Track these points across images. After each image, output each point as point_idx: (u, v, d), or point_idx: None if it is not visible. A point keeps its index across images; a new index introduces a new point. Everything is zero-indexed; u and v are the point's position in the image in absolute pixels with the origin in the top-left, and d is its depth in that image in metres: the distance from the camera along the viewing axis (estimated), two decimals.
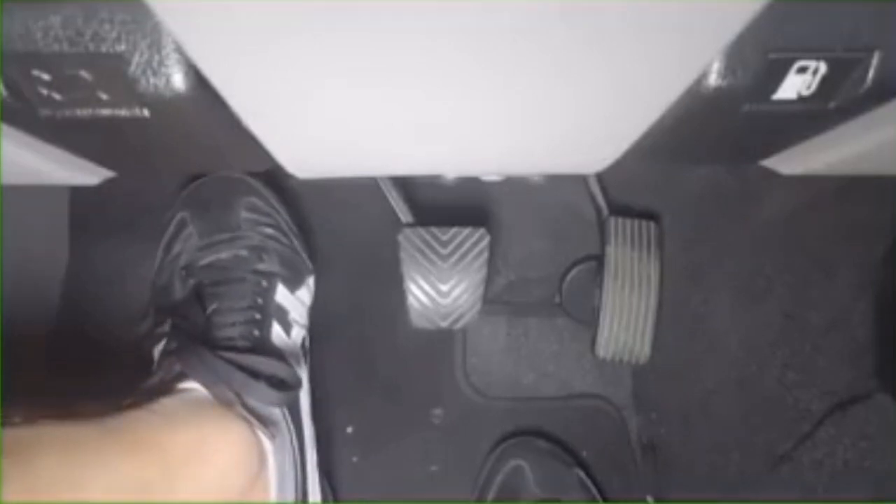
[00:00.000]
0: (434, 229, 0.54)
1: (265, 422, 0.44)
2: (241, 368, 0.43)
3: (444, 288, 0.53)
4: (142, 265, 0.60)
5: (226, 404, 0.42)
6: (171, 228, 0.53)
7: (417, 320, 0.55)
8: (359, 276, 0.67)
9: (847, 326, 0.48)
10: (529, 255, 0.69)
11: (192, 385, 0.42)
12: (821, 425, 0.48)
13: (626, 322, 0.60)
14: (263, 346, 0.48)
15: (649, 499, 0.65)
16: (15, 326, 0.55)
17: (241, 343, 0.47)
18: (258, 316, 0.48)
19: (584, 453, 0.66)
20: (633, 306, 0.60)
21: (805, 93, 0.23)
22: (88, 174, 0.31)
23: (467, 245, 0.54)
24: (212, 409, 0.42)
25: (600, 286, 0.61)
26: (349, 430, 0.65)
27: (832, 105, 0.23)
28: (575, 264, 0.68)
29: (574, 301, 0.67)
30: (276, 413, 0.46)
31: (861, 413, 0.46)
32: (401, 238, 0.54)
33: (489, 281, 0.56)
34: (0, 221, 0.54)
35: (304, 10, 0.16)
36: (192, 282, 0.50)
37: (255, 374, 0.44)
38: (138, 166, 0.33)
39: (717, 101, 0.23)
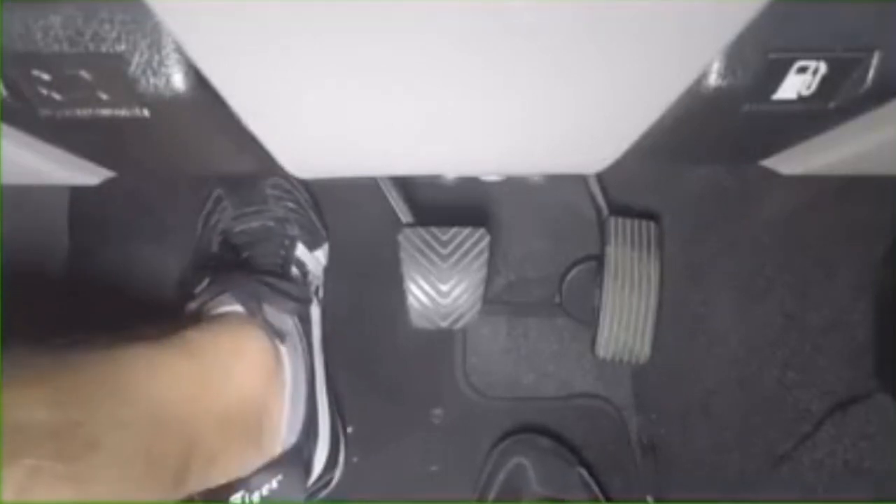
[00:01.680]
0: (434, 229, 0.54)
1: (281, 332, 0.54)
2: (264, 284, 0.54)
3: (444, 288, 0.53)
4: (143, 264, 0.60)
5: (251, 314, 0.52)
6: (209, 204, 0.62)
7: (417, 320, 0.55)
8: (359, 276, 0.67)
9: (847, 326, 0.48)
10: (529, 255, 0.69)
11: (228, 309, 0.52)
12: (821, 425, 0.48)
13: (626, 322, 0.60)
14: (283, 276, 0.58)
15: (649, 499, 0.65)
16: (15, 327, 0.55)
17: (266, 273, 0.57)
18: (280, 262, 0.59)
19: (585, 453, 0.66)
20: (633, 306, 0.60)
21: (805, 93, 0.23)
22: (88, 174, 0.31)
23: (467, 245, 0.54)
24: (243, 323, 0.52)
25: (600, 286, 0.61)
26: (349, 430, 0.65)
27: (832, 105, 0.23)
28: (575, 264, 0.68)
29: (574, 301, 0.67)
30: (289, 323, 0.56)
31: (861, 413, 0.46)
32: (401, 238, 0.54)
33: (489, 281, 0.57)
34: (0, 221, 0.54)
35: (303, 10, 0.16)
36: (227, 243, 0.59)
37: (273, 288, 0.54)
38: (138, 166, 0.33)
39: (717, 101, 0.23)
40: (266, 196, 0.61)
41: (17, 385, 0.33)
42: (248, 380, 0.50)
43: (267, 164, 0.28)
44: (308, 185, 0.65)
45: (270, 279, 0.55)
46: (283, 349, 0.54)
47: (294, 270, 0.60)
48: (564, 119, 0.23)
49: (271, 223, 0.60)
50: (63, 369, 0.37)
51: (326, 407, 0.61)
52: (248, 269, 0.57)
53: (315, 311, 0.61)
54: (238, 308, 0.52)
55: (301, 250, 0.61)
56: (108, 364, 0.40)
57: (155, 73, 0.21)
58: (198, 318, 0.52)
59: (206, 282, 0.56)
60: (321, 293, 0.65)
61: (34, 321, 0.61)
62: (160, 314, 0.54)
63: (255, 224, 0.60)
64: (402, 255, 0.53)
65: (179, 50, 0.21)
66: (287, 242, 0.60)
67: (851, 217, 0.51)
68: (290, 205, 0.62)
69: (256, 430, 0.51)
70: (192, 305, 0.53)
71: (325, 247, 0.66)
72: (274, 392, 0.53)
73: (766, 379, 0.54)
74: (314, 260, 0.63)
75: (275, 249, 0.59)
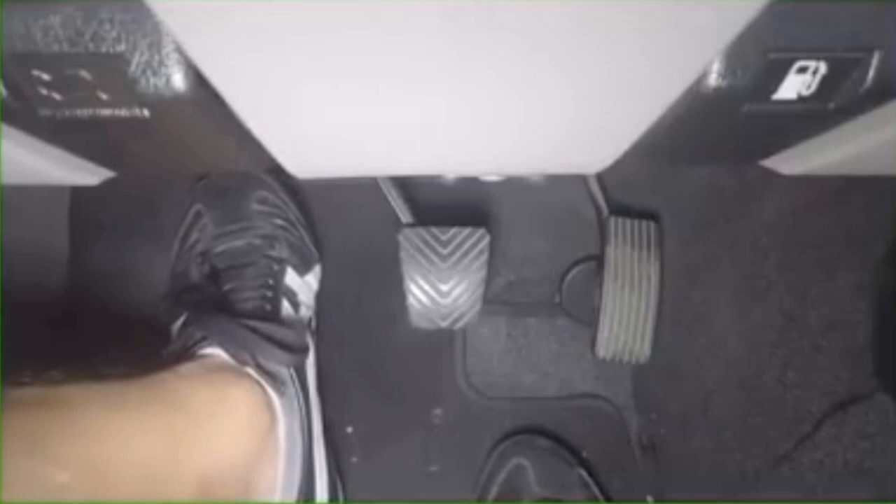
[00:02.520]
0: (434, 229, 0.54)
1: (275, 382, 0.47)
2: (254, 332, 0.47)
3: (444, 288, 0.53)
4: (143, 264, 0.60)
5: (241, 364, 0.45)
6: (188, 219, 0.56)
7: (417, 320, 0.55)
8: (359, 277, 0.67)
9: (847, 326, 0.48)
10: (529, 255, 0.69)
11: (209, 351, 0.45)
12: (821, 425, 0.48)
13: (626, 322, 0.60)
14: (274, 318, 0.52)
15: (649, 499, 0.65)
16: (15, 327, 0.55)
17: (253, 315, 0.50)
18: (269, 294, 0.52)
19: (585, 453, 0.66)
20: (633, 306, 0.60)
21: (805, 93, 0.23)
22: (88, 174, 0.31)
23: (467, 245, 0.54)
24: (228, 370, 0.45)
25: (600, 286, 0.61)
26: (349, 430, 0.65)
27: (832, 105, 0.23)
28: (575, 264, 0.68)
29: (574, 301, 0.67)
30: (285, 376, 0.50)
31: (861, 413, 0.46)
32: (401, 238, 0.54)
33: (489, 281, 0.56)
34: (0, 221, 0.54)
35: (303, 11, 0.16)
36: (207, 267, 0.53)
37: (266, 338, 0.47)
38: (138, 166, 0.33)
39: (717, 101, 0.23)
40: (251, 212, 0.54)
41: None
42: (235, 439, 0.43)
43: (267, 163, 0.28)
44: (299, 199, 0.60)
45: (260, 324, 0.48)
46: (277, 403, 0.47)
47: (285, 306, 0.53)
48: (564, 119, 0.23)
49: (257, 241, 0.53)
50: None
51: (324, 465, 0.55)
52: (231, 306, 0.50)
53: (309, 353, 0.55)
54: (224, 353, 0.45)
55: (291, 276, 0.54)
56: (52, 413, 0.32)
57: (155, 73, 0.21)
58: (177, 360, 0.44)
59: (182, 319, 0.49)
60: (314, 323, 0.59)
61: (34, 322, 0.61)
62: (153, 327, 0.50)
63: (238, 243, 0.53)
64: (402, 255, 0.53)
65: (179, 50, 0.21)
66: (275, 268, 0.53)
67: (851, 217, 0.51)
68: (279, 221, 0.55)
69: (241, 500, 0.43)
70: (169, 350, 0.46)
71: (317, 269, 0.60)
72: (266, 454, 0.46)
73: (766, 379, 0.53)
74: (305, 286, 0.57)
75: (261, 278, 0.52)
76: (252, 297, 0.51)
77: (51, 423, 0.32)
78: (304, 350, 0.52)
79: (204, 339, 0.46)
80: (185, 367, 0.43)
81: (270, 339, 0.47)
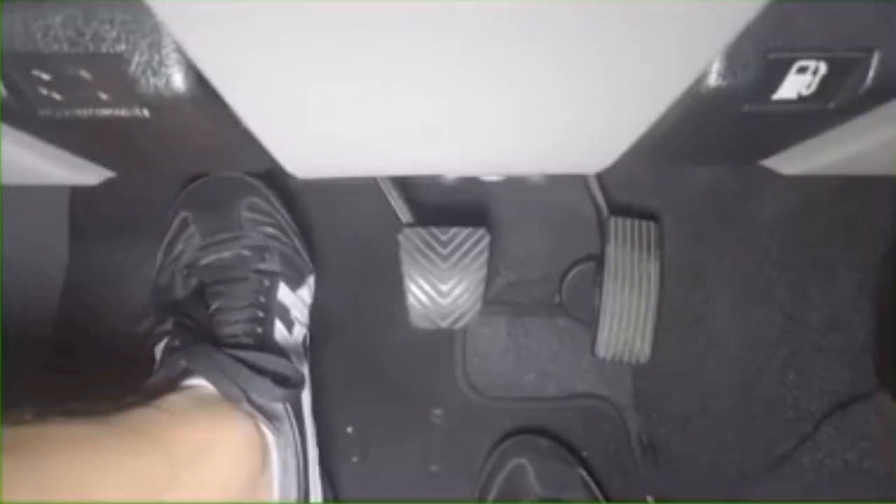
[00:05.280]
0: (434, 229, 0.54)
1: (269, 417, 0.45)
2: (246, 365, 0.43)
3: (444, 288, 0.53)
4: (142, 265, 0.60)
5: (231, 400, 0.42)
6: (173, 228, 0.53)
7: (417, 320, 0.55)
8: (359, 276, 0.67)
9: (847, 326, 0.48)
10: (529, 255, 0.69)
11: (196, 382, 0.42)
12: (821, 425, 0.48)
13: (626, 322, 0.60)
14: (266, 344, 0.48)
15: (649, 499, 0.65)
16: (16, 326, 0.55)
17: (244, 340, 0.47)
18: (260, 314, 0.49)
19: (585, 453, 0.66)
20: (633, 306, 0.60)
21: (805, 93, 0.23)
22: (88, 174, 0.31)
23: (467, 245, 0.54)
24: (217, 405, 0.42)
25: (600, 286, 0.61)
26: (349, 430, 0.65)
27: (832, 105, 0.23)
28: (575, 264, 0.68)
29: (574, 301, 0.67)
30: (280, 409, 0.47)
31: (861, 413, 0.46)
32: (401, 238, 0.54)
33: (489, 281, 0.56)
34: (0, 221, 0.54)
35: (303, 11, 0.16)
36: (193, 281, 0.50)
37: (259, 371, 0.44)
38: (138, 166, 0.33)
39: (717, 101, 0.23)
40: (241, 220, 0.51)
41: None
42: (223, 482, 0.40)
43: (267, 163, 0.28)
44: (293, 205, 0.59)
45: (251, 354, 0.44)
46: (271, 440, 0.44)
47: (278, 327, 0.50)
48: (564, 119, 0.23)
49: (246, 252, 0.50)
50: None
51: (320, 495, 0.52)
52: (219, 329, 0.47)
53: (305, 383, 0.51)
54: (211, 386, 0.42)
55: (283, 292, 0.51)
56: (11, 459, 0.29)
57: (155, 73, 0.21)
58: (161, 391, 0.41)
59: (164, 342, 0.46)
60: (308, 341, 0.56)
61: (34, 322, 0.61)
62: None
63: (226, 254, 0.50)
64: (402, 255, 0.53)
65: (179, 50, 0.21)
66: (266, 283, 0.50)
67: (851, 217, 0.51)
68: (270, 230, 0.52)
69: None
70: (152, 381, 0.43)
71: (311, 280, 0.57)
72: (258, 494, 0.43)
73: (766, 379, 0.53)
74: (299, 301, 0.53)
75: (252, 296, 0.48)
76: (242, 319, 0.47)
77: (8, 471, 0.28)
78: (300, 383, 0.48)
79: (189, 372, 0.42)
80: (170, 401, 0.40)
81: (263, 371, 0.44)
